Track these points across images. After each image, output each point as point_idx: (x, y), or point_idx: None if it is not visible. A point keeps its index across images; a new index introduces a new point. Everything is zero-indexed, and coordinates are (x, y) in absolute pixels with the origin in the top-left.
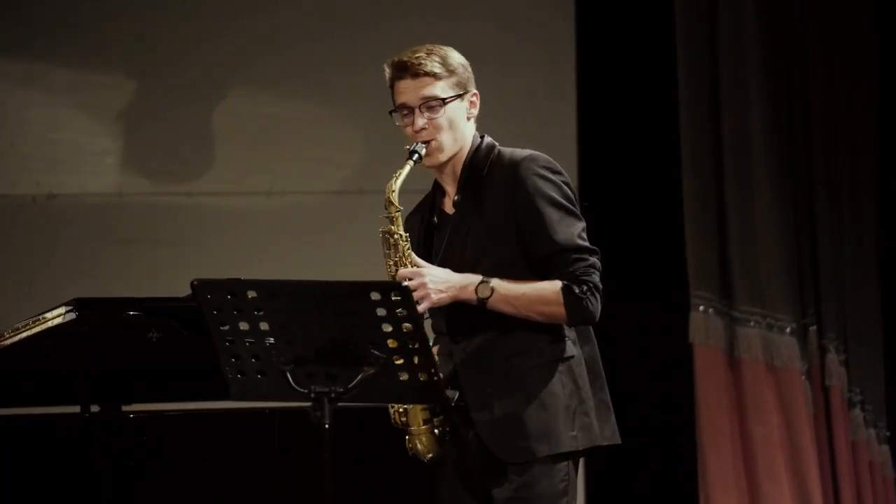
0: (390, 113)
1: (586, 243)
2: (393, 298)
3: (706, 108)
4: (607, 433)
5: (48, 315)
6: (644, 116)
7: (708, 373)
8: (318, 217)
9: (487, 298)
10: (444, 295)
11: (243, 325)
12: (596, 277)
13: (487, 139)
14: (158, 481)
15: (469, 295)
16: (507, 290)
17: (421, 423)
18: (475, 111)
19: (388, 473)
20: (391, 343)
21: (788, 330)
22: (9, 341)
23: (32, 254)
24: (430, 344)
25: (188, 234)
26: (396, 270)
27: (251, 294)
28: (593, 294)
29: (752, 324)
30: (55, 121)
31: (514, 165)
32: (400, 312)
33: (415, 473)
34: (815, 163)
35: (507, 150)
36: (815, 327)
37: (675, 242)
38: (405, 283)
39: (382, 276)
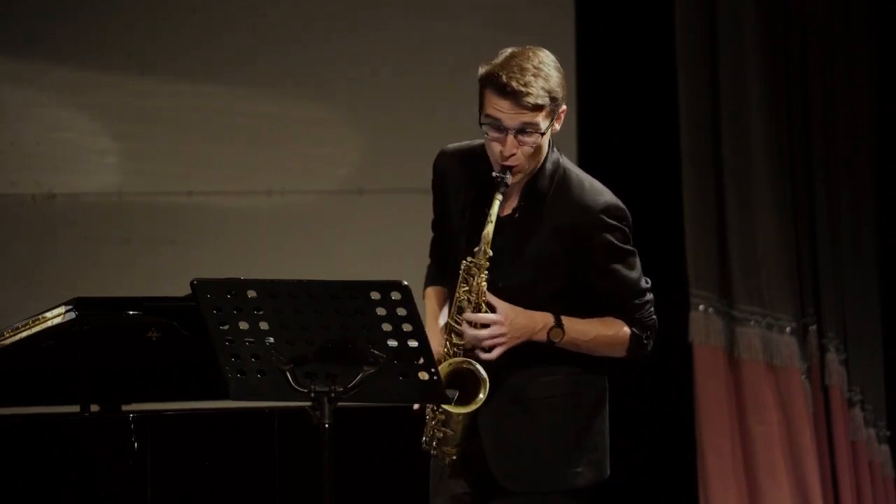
0: (480, 124)
1: (644, 282)
2: (393, 298)
3: (706, 107)
4: (608, 467)
5: (48, 314)
6: (644, 116)
7: (708, 372)
8: (318, 217)
9: (558, 342)
10: (519, 340)
11: (243, 325)
12: (654, 316)
13: (555, 155)
14: (158, 481)
15: (540, 338)
16: (577, 334)
17: (454, 447)
18: (559, 126)
19: (388, 473)
20: (391, 342)
21: (788, 329)
22: (9, 341)
23: (32, 253)
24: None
25: (188, 234)
26: (468, 305)
27: (251, 294)
28: (653, 336)
29: (751, 323)
30: (55, 121)
31: (585, 211)
32: (400, 312)
33: (414, 473)
34: (815, 163)
35: (576, 177)
36: (814, 327)
37: (675, 242)
38: (485, 334)
39: (381, 276)
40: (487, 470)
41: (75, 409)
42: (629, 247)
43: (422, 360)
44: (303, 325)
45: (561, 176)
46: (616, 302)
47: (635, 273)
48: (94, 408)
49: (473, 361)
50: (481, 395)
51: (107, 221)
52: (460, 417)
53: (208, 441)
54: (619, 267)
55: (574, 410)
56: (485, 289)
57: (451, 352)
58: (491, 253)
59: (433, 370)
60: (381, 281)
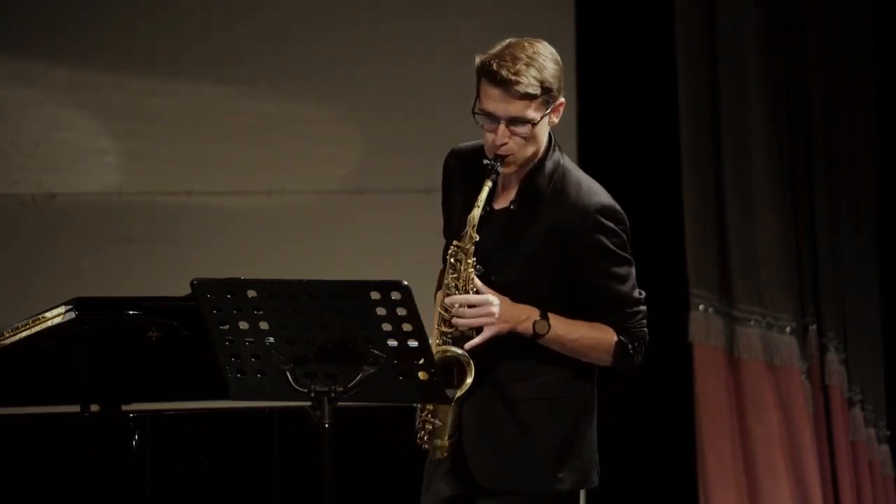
0: (473, 113)
1: (637, 293)
2: (393, 298)
3: (706, 107)
4: (594, 476)
5: (48, 314)
6: (644, 116)
7: (708, 372)
8: (318, 217)
9: (543, 336)
10: (506, 326)
11: (243, 325)
12: (645, 329)
13: (556, 154)
14: (158, 481)
15: (525, 329)
16: (564, 332)
17: (447, 438)
18: (557, 119)
19: (388, 473)
20: (391, 342)
21: (788, 329)
22: (9, 340)
23: (32, 253)
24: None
25: (188, 234)
26: (456, 290)
27: (251, 293)
28: (642, 349)
29: (751, 323)
30: (55, 120)
31: (581, 212)
32: (400, 312)
33: (414, 473)
34: (815, 163)
35: (574, 178)
36: (814, 326)
37: (675, 242)
38: (472, 308)
39: (381, 276)
40: (469, 472)
41: (75, 409)
42: (624, 253)
43: (422, 360)
44: (303, 325)
45: (560, 176)
46: (605, 308)
47: (628, 281)
48: (94, 408)
49: (456, 349)
50: (468, 380)
51: (107, 221)
52: (450, 405)
53: (208, 441)
54: (611, 270)
55: (559, 414)
56: (472, 276)
57: (441, 341)
58: (477, 237)
59: (433, 370)
60: (381, 281)
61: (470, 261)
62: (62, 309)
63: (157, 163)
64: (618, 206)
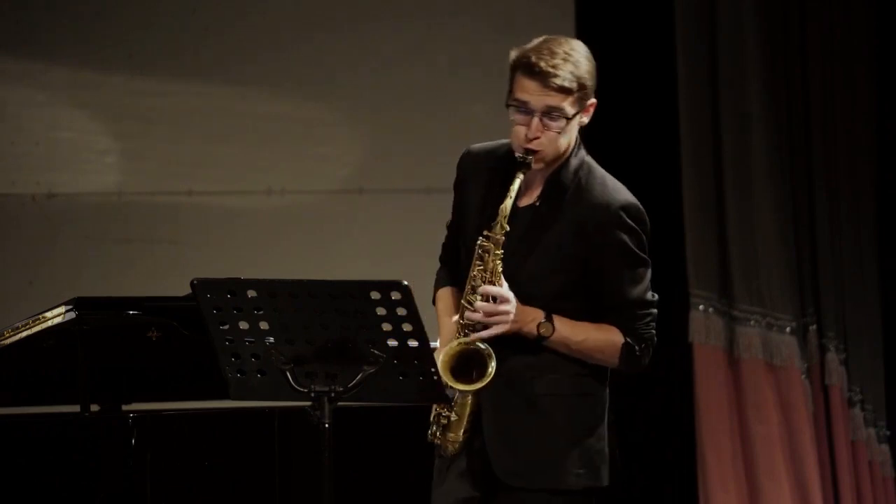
0: (507, 105)
1: (650, 296)
2: (393, 298)
3: (706, 108)
4: (606, 474)
5: (48, 314)
6: (644, 116)
7: (708, 372)
8: (318, 217)
9: (547, 338)
10: (515, 326)
11: (243, 325)
12: (654, 331)
13: (581, 152)
14: (158, 481)
15: (530, 329)
16: (568, 334)
17: (461, 433)
18: (587, 119)
19: (388, 473)
20: (391, 342)
21: (788, 329)
22: (9, 340)
23: (32, 253)
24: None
25: (188, 234)
26: (482, 282)
27: (251, 293)
28: (649, 351)
29: (751, 323)
30: (55, 121)
31: (605, 208)
32: (400, 312)
33: (414, 473)
34: (815, 163)
35: (599, 177)
36: (814, 326)
37: (675, 242)
38: (482, 303)
39: (381, 276)
40: (490, 469)
41: (75, 409)
42: (642, 254)
43: (422, 361)
44: (303, 325)
45: (585, 173)
46: (616, 305)
47: (643, 282)
48: (94, 408)
49: (478, 342)
50: (490, 370)
51: (107, 221)
52: (468, 400)
53: (208, 441)
54: (628, 271)
55: (578, 412)
56: (499, 270)
57: (463, 332)
58: (507, 228)
59: (433, 370)
60: (381, 281)
61: (498, 252)
62: (62, 309)
63: (157, 163)
64: (641, 206)
